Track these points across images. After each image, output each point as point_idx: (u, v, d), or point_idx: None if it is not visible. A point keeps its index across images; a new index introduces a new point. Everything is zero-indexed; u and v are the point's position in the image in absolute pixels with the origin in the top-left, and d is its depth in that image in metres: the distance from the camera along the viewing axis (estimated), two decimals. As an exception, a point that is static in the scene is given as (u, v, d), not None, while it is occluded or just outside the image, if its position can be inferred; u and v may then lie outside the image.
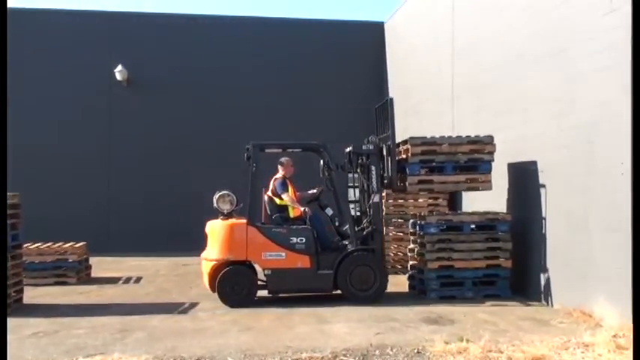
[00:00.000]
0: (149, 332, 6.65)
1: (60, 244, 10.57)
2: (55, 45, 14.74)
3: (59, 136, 14.67)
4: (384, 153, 8.53)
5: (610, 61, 6.67)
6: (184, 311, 7.84)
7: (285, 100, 15.20)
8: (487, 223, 8.51)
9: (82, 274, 10.41)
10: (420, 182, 8.49)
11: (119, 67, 14.69)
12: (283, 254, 8.06)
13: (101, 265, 11.64)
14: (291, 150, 8.81)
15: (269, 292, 8.26)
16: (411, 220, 9.22)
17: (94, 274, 10.94)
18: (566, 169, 7.55)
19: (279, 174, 8.66)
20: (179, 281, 10.31)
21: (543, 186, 8.09)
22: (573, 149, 7.40)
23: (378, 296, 8.15)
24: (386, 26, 15.85)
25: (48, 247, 10.38)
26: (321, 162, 8.70)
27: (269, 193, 8.57)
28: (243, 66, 15.22)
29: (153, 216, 14.62)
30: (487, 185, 8.48)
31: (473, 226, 8.56)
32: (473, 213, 8.69)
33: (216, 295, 8.67)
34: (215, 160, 14.67)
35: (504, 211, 8.74)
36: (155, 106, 15.04)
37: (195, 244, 13.45)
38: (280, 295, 8.36)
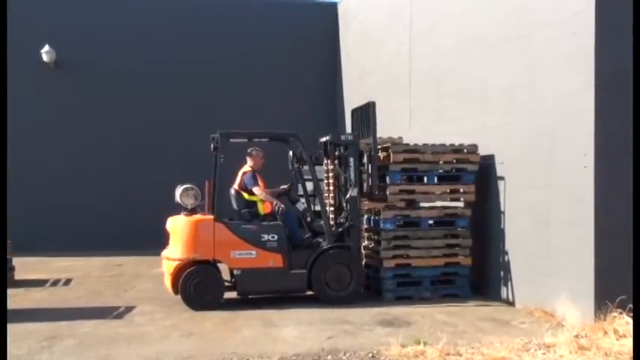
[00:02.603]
0: (80, 339, 6.50)
1: (-21, 243, 10.23)
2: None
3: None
4: (364, 160, 8.57)
5: (574, 48, 6.82)
6: (119, 316, 7.70)
7: (230, 85, 15.03)
8: (446, 219, 8.64)
9: (4, 277, 10.11)
10: (401, 192, 8.54)
11: (46, 48, 14.26)
12: (254, 253, 8.01)
13: (26, 267, 11.31)
14: (257, 140, 8.78)
15: (238, 294, 8.22)
16: (366, 215, 9.27)
17: (18, 276, 10.60)
18: (528, 161, 7.71)
19: (247, 166, 8.61)
20: (113, 283, 10.13)
21: (504, 179, 8.25)
22: (535, 140, 7.56)
23: (354, 297, 8.19)
24: (339, 7, 15.86)
25: (-35, 246, 10.03)
26: (290, 153, 8.69)
27: (235, 186, 8.52)
28: (186, 48, 14.93)
29: (84, 212, 14.28)
30: (470, 197, 8.58)
31: (431, 221, 8.67)
32: (431, 208, 8.80)
33: (154, 297, 8.59)
34: (154, 153, 14.50)
35: (463, 205, 8.86)
36: (88, 91, 14.65)
37: (131, 242, 13.40)
38: (250, 296, 8.34)
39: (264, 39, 15.31)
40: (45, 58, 14.33)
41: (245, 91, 15.04)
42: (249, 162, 8.65)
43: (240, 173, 8.58)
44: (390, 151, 8.49)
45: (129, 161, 14.59)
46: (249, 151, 8.68)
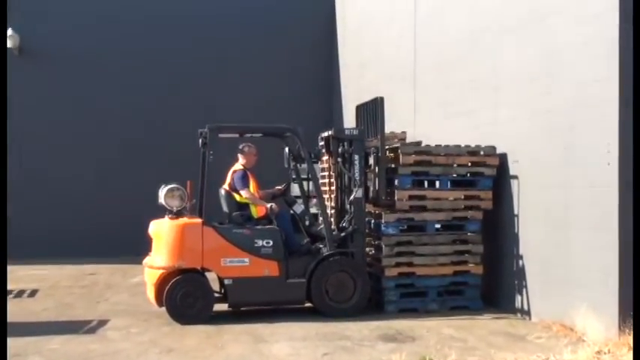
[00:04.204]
0: (47, 357, 6.47)
1: None
2: None
3: None
4: (371, 162, 8.57)
5: (595, 32, 6.81)
6: (91, 330, 7.67)
7: (218, 75, 14.98)
8: (454, 223, 8.62)
9: (-38, 287, 10.05)
10: (411, 198, 8.51)
11: (9, 32, 14.18)
12: (246, 260, 8.01)
13: (-13, 276, 11.28)
14: (250, 135, 8.78)
15: (229, 306, 8.20)
16: (366, 219, 9.24)
17: (-22, 286, 10.60)
18: (544, 158, 7.70)
19: (239, 165, 8.59)
20: (85, 294, 10.10)
21: (517, 179, 8.24)
22: (552, 136, 7.55)
23: (358, 309, 8.19)
24: (336, -9, 15.87)
25: None
26: (286, 149, 8.68)
27: (225, 186, 8.51)
28: (170, 36, 14.90)
29: (53, 215, 14.23)
30: (487, 204, 8.56)
31: (438, 225, 8.65)
32: (438, 210, 8.77)
33: (130, 310, 8.57)
34: (133, 149, 14.47)
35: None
36: (56, 82, 14.61)
37: (106, 248, 13.34)
38: (242, 308, 8.33)
39: (253, 27, 15.26)
40: (8, 43, 14.26)
41: (233, 83, 15.00)
42: (241, 160, 8.62)
43: (230, 172, 8.56)
44: (399, 152, 8.46)
45: (105, 158, 14.55)
46: (240, 147, 8.66)
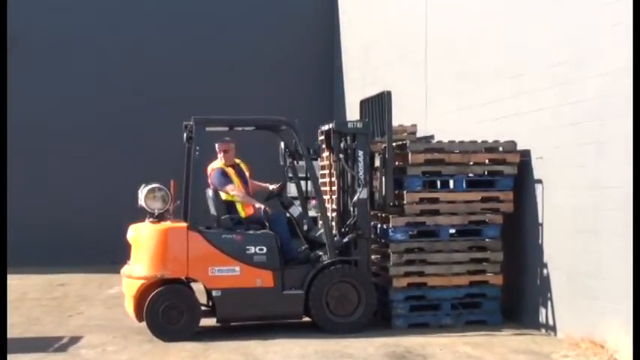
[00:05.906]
0: (12, 378, 6.48)
1: None
2: None
3: None
4: (378, 164, 8.60)
5: (628, 13, 6.79)
6: (62, 348, 7.69)
7: (206, 62, 14.99)
8: (471, 227, 8.64)
9: None
10: (422, 201, 8.52)
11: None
12: (237, 269, 8.02)
13: (-55, 287, 11.29)
14: (241, 128, 8.80)
15: (218, 321, 8.22)
16: (372, 223, 9.26)
17: None
18: (572, 155, 7.71)
19: (217, 162, 8.60)
20: (55, 307, 10.13)
21: (541, 178, 8.25)
22: (580, 129, 7.55)
23: (363, 324, 8.21)
24: (338, -34, 15.89)
25: None
26: (282, 145, 8.70)
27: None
28: (154, 22, 14.96)
29: (15, 219, 14.15)
30: (507, 206, 8.57)
31: (452, 230, 8.66)
32: (452, 214, 8.78)
33: (106, 325, 8.58)
34: (110, 144, 14.48)
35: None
36: (20, 73, 14.61)
37: (78, 256, 13.32)
38: (232, 323, 8.34)
39: (248, 10, 15.27)
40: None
41: (223, 70, 14.98)
42: (220, 156, 8.62)
43: (209, 171, 8.57)
44: (407, 150, 8.46)
45: (77, 155, 14.51)
46: (219, 143, 8.66)
